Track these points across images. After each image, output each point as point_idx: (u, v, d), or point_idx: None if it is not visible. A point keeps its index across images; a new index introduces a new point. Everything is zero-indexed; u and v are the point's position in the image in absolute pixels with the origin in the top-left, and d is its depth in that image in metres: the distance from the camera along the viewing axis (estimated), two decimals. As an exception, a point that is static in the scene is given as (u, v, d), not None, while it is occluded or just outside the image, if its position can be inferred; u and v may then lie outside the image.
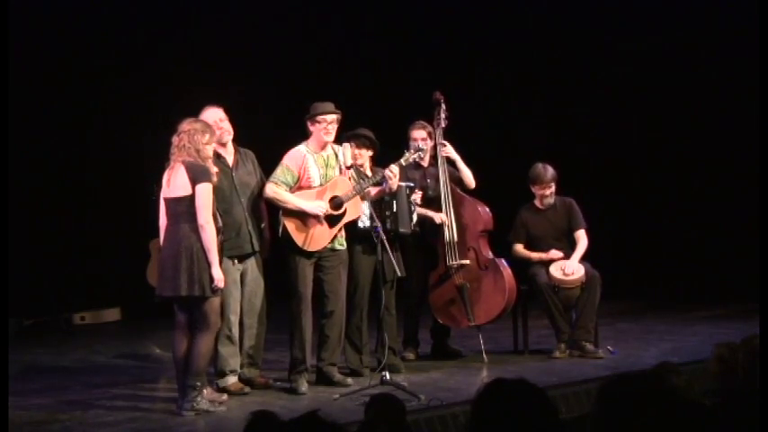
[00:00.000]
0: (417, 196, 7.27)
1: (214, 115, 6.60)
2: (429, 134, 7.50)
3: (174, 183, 5.98)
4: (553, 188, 7.69)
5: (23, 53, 9.52)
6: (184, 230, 5.92)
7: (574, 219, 7.71)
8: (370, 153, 7.16)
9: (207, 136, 6.05)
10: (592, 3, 11.01)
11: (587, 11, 10.98)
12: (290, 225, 6.62)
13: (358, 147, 7.05)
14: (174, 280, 5.90)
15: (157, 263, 6.32)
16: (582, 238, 7.67)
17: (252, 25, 10.79)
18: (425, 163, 7.56)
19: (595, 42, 11.05)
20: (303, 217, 6.62)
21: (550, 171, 7.68)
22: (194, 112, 6.25)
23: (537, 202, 7.75)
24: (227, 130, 6.64)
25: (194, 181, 5.91)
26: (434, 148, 7.53)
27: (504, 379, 2.89)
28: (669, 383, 3.57)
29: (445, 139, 7.56)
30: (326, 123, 6.68)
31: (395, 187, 6.86)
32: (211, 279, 5.90)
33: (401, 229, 7.04)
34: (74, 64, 10.30)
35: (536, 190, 7.70)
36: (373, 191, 6.88)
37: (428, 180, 7.57)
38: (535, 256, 7.68)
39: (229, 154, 6.69)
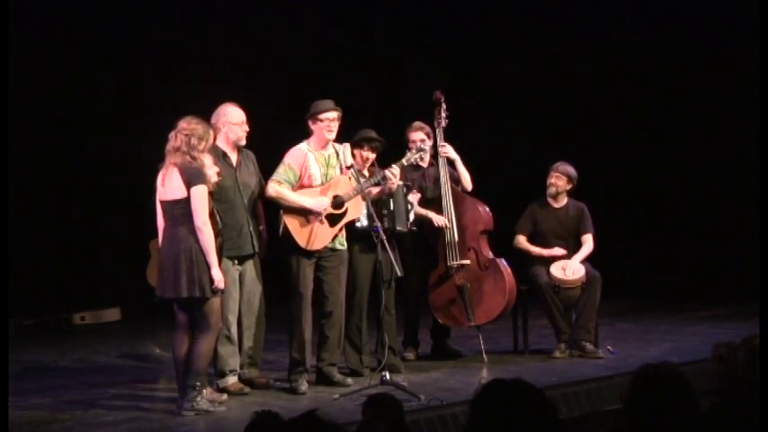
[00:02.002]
0: (416, 198, 7.27)
1: (240, 116, 6.62)
2: (427, 134, 7.49)
3: (169, 185, 5.96)
4: (561, 182, 7.69)
5: (24, 53, 9.52)
6: (182, 233, 5.91)
7: (583, 223, 7.72)
8: (375, 155, 7.16)
9: (204, 143, 6.00)
10: (595, 3, 11.01)
11: (589, 11, 10.98)
12: (292, 224, 6.61)
13: (372, 150, 7.06)
14: (174, 282, 5.90)
15: (157, 264, 6.32)
16: (588, 242, 7.69)
17: (252, 25, 10.79)
18: (425, 163, 7.55)
19: (596, 43, 11.06)
20: (304, 216, 6.61)
21: (564, 165, 7.71)
22: (194, 112, 6.22)
23: (549, 197, 7.75)
24: (244, 135, 6.64)
25: (189, 183, 5.89)
26: (434, 148, 7.52)
27: (502, 379, 2.89)
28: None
29: (445, 138, 7.55)
30: (329, 121, 6.67)
31: (395, 187, 6.87)
32: (211, 280, 5.90)
33: (398, 228, 7.03)
34: (74, 63, 10.30)
35: (548, 179, 7.72)
36: (374, 190, 6.88)
37: (427, 181, 7.56)
38: (536, 250, 7.68)
39: (233, 154, 6.69)
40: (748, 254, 9.43)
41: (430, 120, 7.57)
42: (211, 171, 6.13)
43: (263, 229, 6.83)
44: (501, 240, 7.74)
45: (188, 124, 6.01)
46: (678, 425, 3.10)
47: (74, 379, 7.44)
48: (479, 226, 7.53)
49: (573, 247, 7.67)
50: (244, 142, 6.67)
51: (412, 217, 7.21)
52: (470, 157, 7.70)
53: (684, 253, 10.69)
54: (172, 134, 6.01)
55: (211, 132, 6.15)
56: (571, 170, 7.72)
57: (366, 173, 7.03)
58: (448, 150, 7.49)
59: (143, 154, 6.60)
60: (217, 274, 5.92)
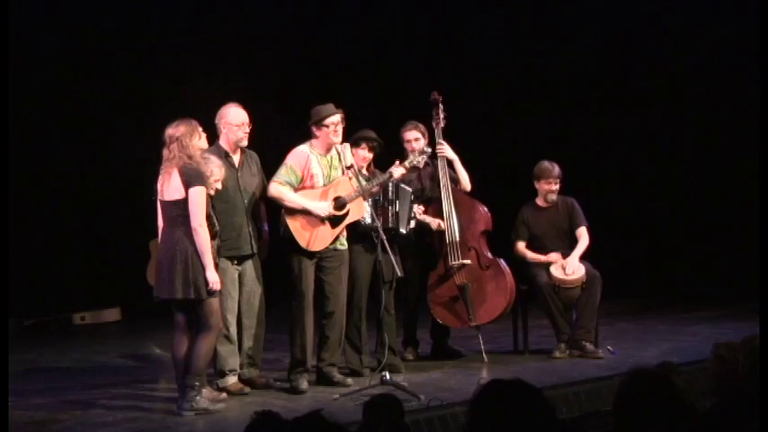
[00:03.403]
0: (419, 210, 7.28)
1: (241, 117, 6.62)
2: (422, 133, 7.49)
3: (169, 186, 5.97)
4: (557, 186, 7.69)
5: (24, 52, 9.53)
6: (179, 234, 5.92)
7: (575, 217, 7.71)
8: (373, 154, 7.16)
9: (194, 134, 6.01)
10: (593, 2, 11.02)
11: (588, 10, 10.99)
12: (293, 225, 6.61)
13: (369, 149, 7.07)
14: (169, 283, 5.91)
15: (155, 264, 6.33)
16: (583, 236, 7.66)
17: (252, 25, 10.80)
18: (421, 164, 7.55)
19: (596, 41, 11.06)
20: (306, 216, 6.61)
21: (557, 167, 7.69)
22: (194, 112, 6.23)
23: (540, 200, 7.74)
24: (245, 136, 6.64)
25: (187, 184, 5.90)
26: (432, 148, 7.52)
27: (501, 380, 2.89)
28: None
29: (444, 139, 7.55)
30: (335, 125, 6.67)
31: (396, 174, 6.83)
32: (206, 282, 5.90)
33: (401, 230, 7.06)
34: (74, 63, 10.31)
35: (542, 185, 7.69)
36: (375, 189, 6.88)
37: (424, 181, 7.57)
38: (532, 257, 7.67)
39: (236, 154, 6.69)
40: (748, 254, 9.44)
41: (426, 120, 7.57)
42: (214, 178, 6.14)
43: (266, 231, 6.82)
44: (499, 241, 7.73)
45: (174, 130, 6.02)
46: (666, 428, 3.09)
47: (74, 379, 7.43)
48: (480, 226, 7.53)
49: (570, 244, 7.66)
50: (245, 143, 6.67)
51: (413, 224, 7.22)
52: (468, 157, 7.69)
53: (684, 253, 10.69)
54: (165, 150, 6.01)
55: (195, 124, 6.10)
56: (560, 170, 7.72)
57: (366, 173, 7.03)
58: (445, 149, 7.49)
59: (143, 154, 6.60)
60: (212, 275, 5.91)
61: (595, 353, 7.38)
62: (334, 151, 6.77)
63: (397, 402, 4.31)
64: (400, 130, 7.55)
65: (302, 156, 6.71)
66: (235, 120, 6.61)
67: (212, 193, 6.17)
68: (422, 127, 7.52)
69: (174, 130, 6.01)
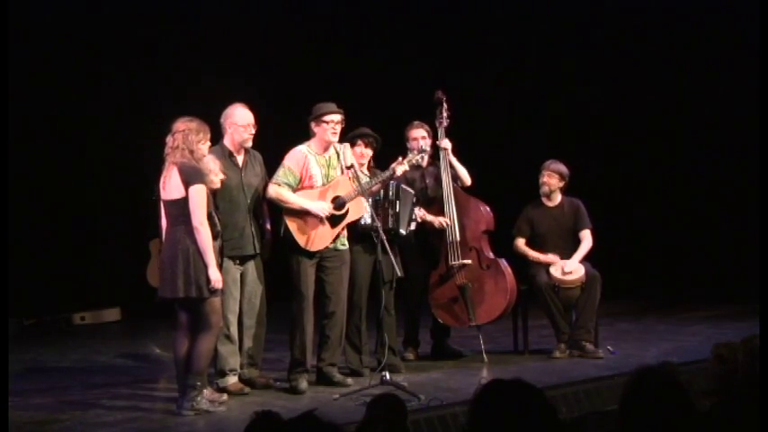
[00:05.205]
0: (420, 213, 7.28)
1: (247, 118, 6.61)
2: (427, 132, 7.50)
3: (169, 185, 5.98)
4: (554, 180, 7.67)
5: (24, 52, 9.52)
6: (180, 233, 5.93)
7: (580, 219, 7.71)
8: (371, 152, 7.16)
9: (201, 135, 6.03)
10: (596, 3, 11.02)
11: (590, 10, 10.99)
12: (293, 225, 6.61)
13: (366, 146, 7.07)
14: (172, 282, 5.92)
15: (158, 264, 6.33)
16: (586, 238, 7.66)
17: (252, 25, 10.79)
18: (424, 163, 7.55)
19: (597, 41, 11.06)
20: (305, 217, 6.61)
21: (555, 162, 7.69)
22: (194, 112, 6.23)
23: (543, 196, 7.74)
24: (250, 137, 6.64)
25: (187, 183, 5.90)
26: (434, 147, 7.53)
27: (501, 380, 2.90)
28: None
29: (447, 137, 7.54)
30: (333, 124, 6.68)
31: (399, 172, 6.83)
32: (208, 280, 5.90)
33: (400, 230, 7.05)
34: (74, 63, 10.30)
35: (540, 178, 7.70)
36: (376, 188, 6.88)
37: (427, 180, 7.57)
38: (532, 255, 7.67)
39: (240, 154, 6.68)
40: (748, 254, 9.43)
41: (431, 119, 7.57)
42: (215, 177, 6.15)
43: (268, 230, 6.82)
44: (501, 241, 7.73)
45: (183, 124, 6.04)
46: (672, 428, 3.10)
47: (74, 379, 7.43)
48: (481, 226, 7.54)
49: (572, 245, 7.66)
50: (249, 144, 6.67)
51: (413, 226, 7.22)
52: (473, 156, 7.69)
53: (684, 253, 10.69)
54: (169, 137, 6.03)
55: (207, 128, 6.14)
56: (562, 168, 7.72)
57: (366, 171, 7.03)
58: (446, 145, 7.48)
59: (143, 154, 6.60)
60: (214, 273, 5.92)
61: (595, 353, 7.39)
62: (332, 151, 6.77)
63: (401, 404, 4.31)
64: (405, 128, 7.54)
65: (300, 156, 6.71)
66: (241, 120, 6.61)
67: (213, 187, 6.17)
68: (427, 126, 7.52)
69: (185, 124, 6.02)
